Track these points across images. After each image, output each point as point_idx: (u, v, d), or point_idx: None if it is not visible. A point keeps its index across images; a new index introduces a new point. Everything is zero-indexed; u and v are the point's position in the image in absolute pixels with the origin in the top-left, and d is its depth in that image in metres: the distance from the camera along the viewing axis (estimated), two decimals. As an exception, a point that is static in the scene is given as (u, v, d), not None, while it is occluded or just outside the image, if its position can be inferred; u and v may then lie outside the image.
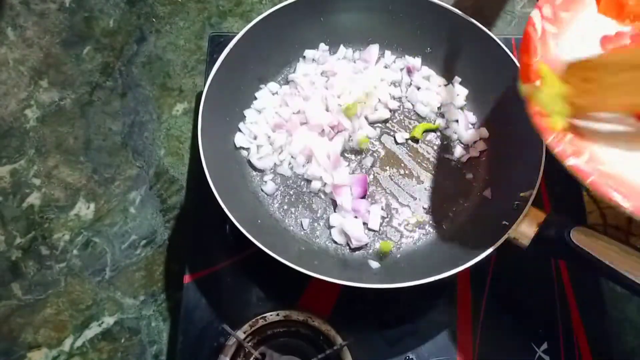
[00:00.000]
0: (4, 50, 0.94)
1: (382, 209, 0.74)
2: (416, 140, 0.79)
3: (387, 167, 0.77)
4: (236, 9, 0.98)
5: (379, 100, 0.79)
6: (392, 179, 0.77)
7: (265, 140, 0.76)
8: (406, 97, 0.81)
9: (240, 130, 0.77)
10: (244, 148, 0.76)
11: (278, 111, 0.77)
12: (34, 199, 0.85)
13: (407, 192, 0.76)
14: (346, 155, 0.78)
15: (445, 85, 0.81)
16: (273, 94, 0.79)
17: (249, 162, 0.76)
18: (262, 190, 0.75)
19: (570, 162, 0.48)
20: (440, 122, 0.80)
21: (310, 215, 0.74)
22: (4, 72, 0.92)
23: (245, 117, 0.78)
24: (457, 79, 0.81)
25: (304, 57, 0.82)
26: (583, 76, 0.52)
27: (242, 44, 0.73)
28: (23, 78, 0.92)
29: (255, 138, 0.76)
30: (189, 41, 0.96)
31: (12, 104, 0.90)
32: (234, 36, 0.73)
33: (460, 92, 0.80)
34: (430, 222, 0.74)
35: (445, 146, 0.79)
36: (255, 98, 0.79)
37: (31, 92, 0.91)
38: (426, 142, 0.79)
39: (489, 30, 0.75)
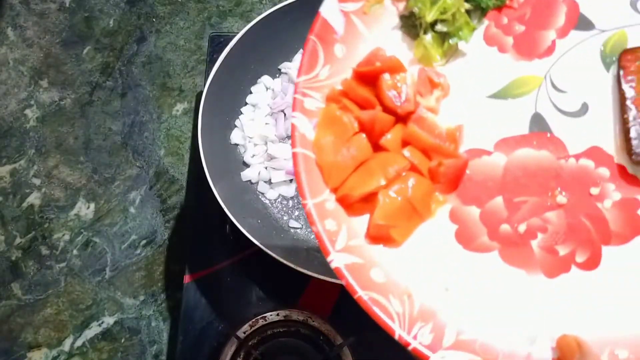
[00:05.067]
0: (4, 50, 0.94)
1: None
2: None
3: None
4: (236, 9, 0.98)
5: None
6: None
7: (260, 139, 0.76)
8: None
9: (236, 127, 0.77)
10: (241, 145, 0.76)
11: (270, 104, 0.77)
12: (34, 199, 0.85)
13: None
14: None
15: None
16: (267, 89, 0.79)
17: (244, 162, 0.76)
18: (259, 189, 0.75)
19: None
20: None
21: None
22: (4, 72, 0.92)
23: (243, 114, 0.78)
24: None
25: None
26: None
27: (242, 44, 0.73)
28: (23, 78, 0.92)
29: (251, 137, 0.76)
30: (189, 41, 0.96)
31: (12, 104, 0.90)
32: (234, 36, 0.72)
33: None
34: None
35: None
36: (251, 92, 0.79)
37: (31, 92, 0.91)
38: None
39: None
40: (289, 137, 0.76)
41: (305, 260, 0.65)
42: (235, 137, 0.76)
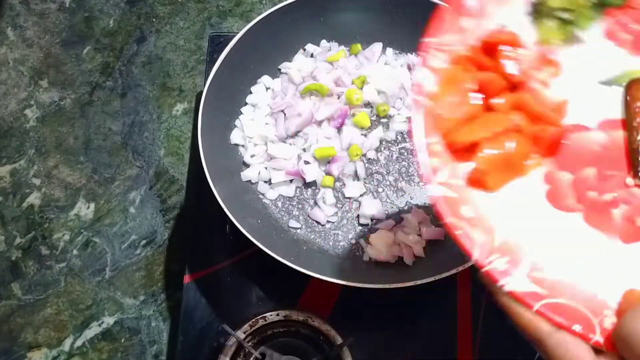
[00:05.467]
0: (4, 50, 0.94)
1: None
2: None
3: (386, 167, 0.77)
4: (236, 9, 0.98)
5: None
6: (390, 178, 0.77)
7: (260, 139, 0.76)
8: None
9: (236, 127, 0.77)
10: (241, 145, 0.76)
11: (270, 104, 0.77)
12: (34, 199, 0.85)
13: (405, 191, 0.76)
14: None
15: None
16: (267, 89, 0.79)
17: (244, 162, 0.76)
18: (260, 189, 0.75)
19: (508, 286, 0.35)
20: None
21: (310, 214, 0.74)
22: (4, 72, 0.92)
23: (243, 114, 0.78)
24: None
25: (305, 49, 0.82)
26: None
27: (242, 44, 0.73)
28: (23, 78, 0.92)
29: (251, 137, 0.76)
30: (189, 41, 0.96)
31: (12, 104, 0.90)
32: (234, 36, 0.72)
33: None
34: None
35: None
36: (251, 92, 0.79)
37: (31, 92, 0.91)
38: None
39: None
40: (289, 137, 0.76)
41: (305, 260, 0.65)
42: (235, 137, 0.76)
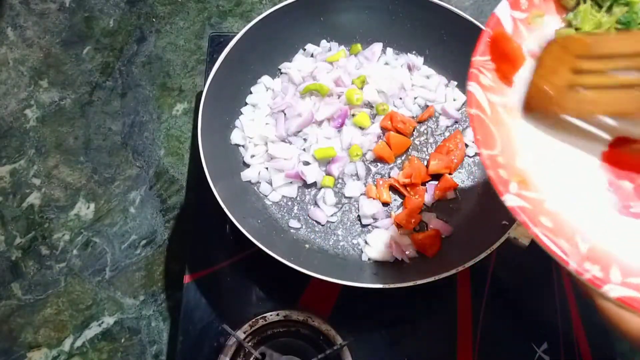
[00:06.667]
0: (4, 50, 0.94)
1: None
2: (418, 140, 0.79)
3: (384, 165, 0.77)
4: (236, 9, 0.98)
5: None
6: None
7: (260, 139, 0.76)
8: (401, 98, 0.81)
9: (237, 127, 0.77)
10: (241, 145, 0.77)
11: (270, 104, 0.77)
12: (34, 199, 0.85)
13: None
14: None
15: (446, 86, 0.81)
16: (267, 89, 0.79)
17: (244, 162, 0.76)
18: (262, 190, 0.75)
19: (613, 292, 0.36)
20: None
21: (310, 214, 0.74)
22: (4, 72, 0.92)
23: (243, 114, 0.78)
24: (453, 82, 0.81)
25: (305, 49, 0.82)
26: (572, 65, 0.41)
27: (242, 44, 0.73)
28: (23, 78, 0.92)
29: (251, 137, 0.76)
30: (189, 41, 0.96)
31: (12, 104, 0.90)
32: (234, 36, 0.72)
33: (458, 97, 0.80)
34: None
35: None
36: (251, 92, 0.79)
37: (31, 92, 0.91)
38: (424, 142, 0.79)
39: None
40: (289, 136, 0.76)
41: (305, 260, 0.65)
42: (235, 137, 0.76)
